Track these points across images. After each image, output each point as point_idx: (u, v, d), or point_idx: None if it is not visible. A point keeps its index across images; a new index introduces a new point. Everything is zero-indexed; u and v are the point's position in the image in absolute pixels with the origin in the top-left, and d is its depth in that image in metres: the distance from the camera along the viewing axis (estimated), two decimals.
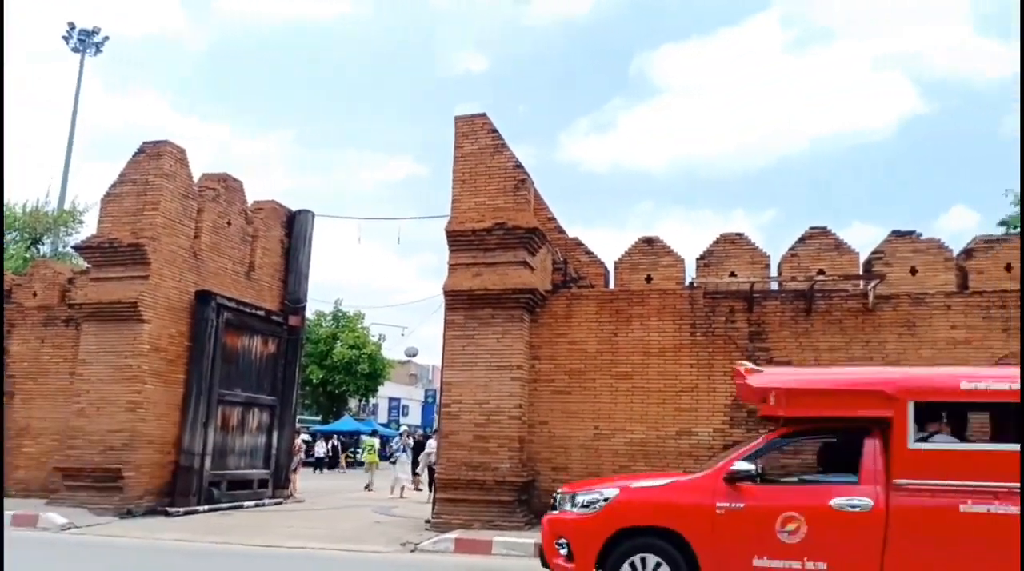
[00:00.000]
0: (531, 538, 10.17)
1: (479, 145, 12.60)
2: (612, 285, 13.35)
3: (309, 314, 43.16)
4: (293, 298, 17.56)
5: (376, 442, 25.23)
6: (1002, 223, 21.45)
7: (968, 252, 12.35)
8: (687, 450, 11.68)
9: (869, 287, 12.10)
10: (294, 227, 17.81)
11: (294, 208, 17.96)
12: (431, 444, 18.50)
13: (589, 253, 13.87)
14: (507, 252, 12.16)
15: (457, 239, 12.39)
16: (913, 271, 12.27)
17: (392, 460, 21.50)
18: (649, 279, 13.12)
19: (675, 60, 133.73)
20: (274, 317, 16.57)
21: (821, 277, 12.28)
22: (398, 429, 32.85)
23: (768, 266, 12.87)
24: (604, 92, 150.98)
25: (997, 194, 22.93)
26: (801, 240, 12.87)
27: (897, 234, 12.56)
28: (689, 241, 52.24)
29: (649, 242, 13.43)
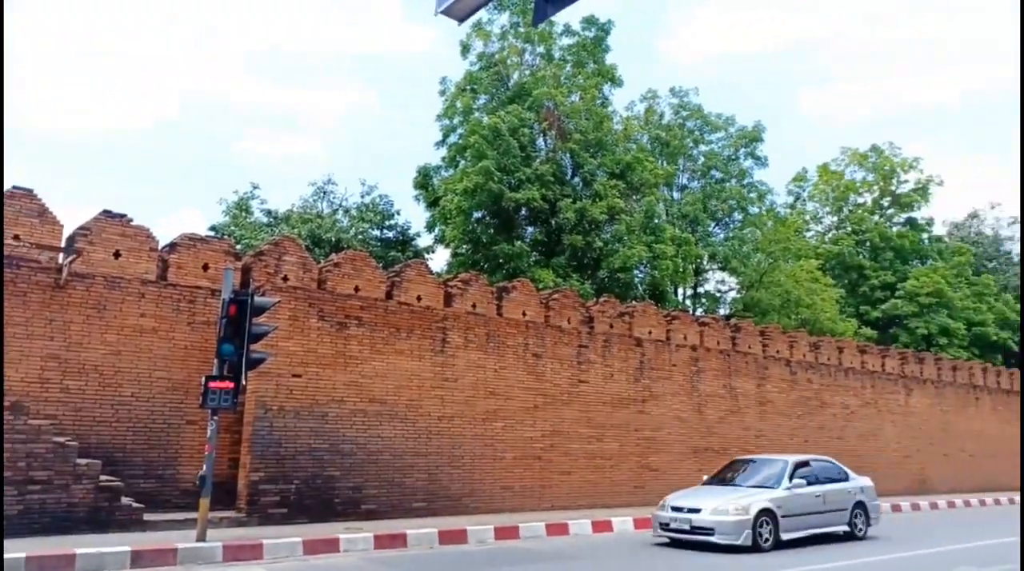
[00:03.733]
0: None
1: None
2: None
3: None
4: None
5: None
6: (212, 228, 23.34)
7: (173, 246, 12.77)
8: None
9: (65, 262, 11.26)
10: None
11: None
12: None
13: None
14: None
15: None
16: (117, 254, 11.98)
17: None
18: None
19: None
20: None
21: (13, 242, 10.85)
22: None
23: None
24: None
25: (222, 203, 24.91)
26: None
27: (108, 214, 12.11)
28: None
29: None
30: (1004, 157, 76.70)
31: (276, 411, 12.37)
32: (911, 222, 36.73)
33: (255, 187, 25.16)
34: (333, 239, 22.13)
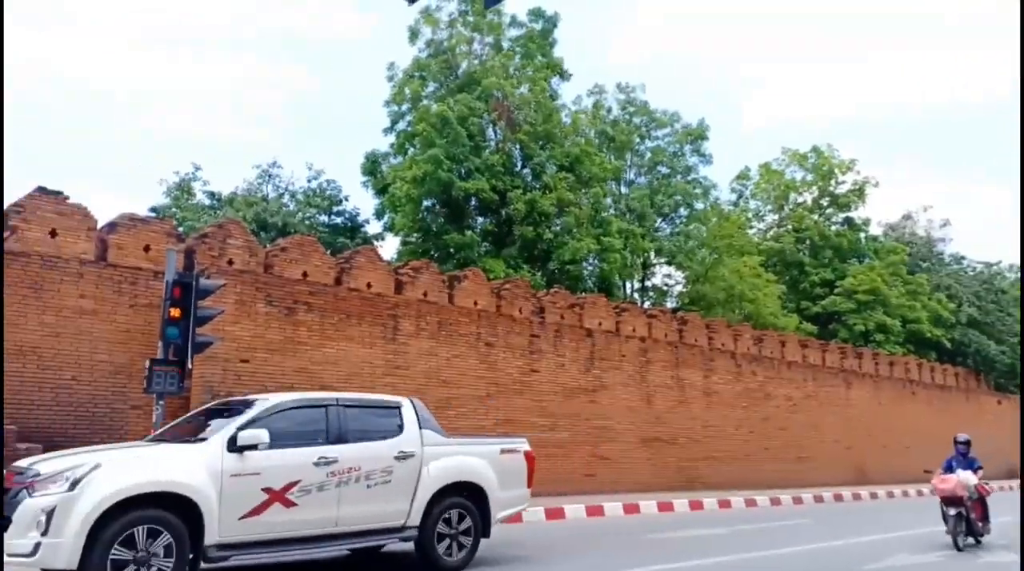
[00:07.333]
0: None
1: None
2: None
3: None
4: None
5: None
6: (152, 209, 22.53)
7: (112, 226, 12.24)
8: None
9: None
10: None
11: None
12: None
13: None
14: None
15: None
16: (53, 233, 11.43)
17: None
18: None
19: None
20: None
21: None
22: None
23: None
24: None
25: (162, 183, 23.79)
26: None
27: (43, 191, 11.54)
28: None
29: None
30: (936, 164, 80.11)
31: (224, 396, 11.99)
32: (849, 221, 37.76)
33: (197, 168, 24.39)
34: (280, 223, 21.58)
